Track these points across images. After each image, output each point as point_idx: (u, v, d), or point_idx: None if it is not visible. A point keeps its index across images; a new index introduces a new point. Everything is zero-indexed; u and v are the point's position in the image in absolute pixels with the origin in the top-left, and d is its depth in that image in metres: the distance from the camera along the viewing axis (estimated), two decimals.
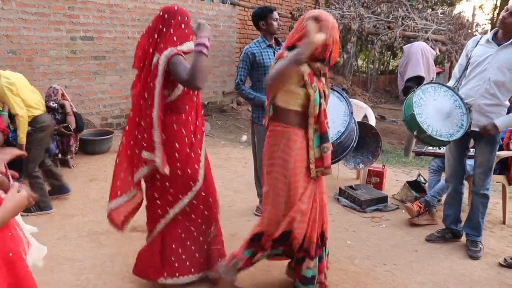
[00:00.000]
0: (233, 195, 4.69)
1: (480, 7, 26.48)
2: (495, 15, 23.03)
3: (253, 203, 4.31)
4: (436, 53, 8.53)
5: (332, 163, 3.83)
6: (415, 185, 4.72)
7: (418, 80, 6.41)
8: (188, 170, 2.68)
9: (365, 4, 10.93)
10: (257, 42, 3.86)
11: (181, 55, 2.51)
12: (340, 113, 3.72)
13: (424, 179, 4.83)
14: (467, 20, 10.08)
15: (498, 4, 22.44)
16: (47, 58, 6.37)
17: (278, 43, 3.90)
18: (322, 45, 2.35)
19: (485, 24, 22.84)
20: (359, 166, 4.83)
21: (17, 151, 2.29)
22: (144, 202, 2.86)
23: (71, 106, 5.50)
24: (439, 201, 4.14)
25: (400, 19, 9.94)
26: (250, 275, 2.98)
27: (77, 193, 4.56)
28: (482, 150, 3.39)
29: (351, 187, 4.69)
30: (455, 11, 11.29)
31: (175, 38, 2.54)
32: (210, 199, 2.87)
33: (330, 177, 5.21)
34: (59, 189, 4.41)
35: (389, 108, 13.78)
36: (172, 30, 2.54)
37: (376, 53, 11.12)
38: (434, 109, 3.34)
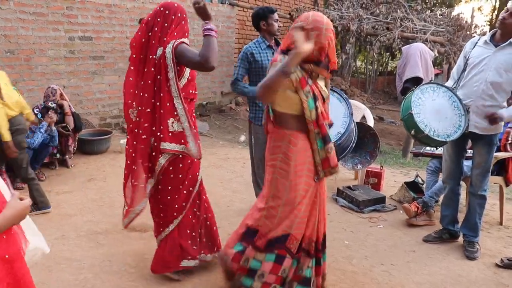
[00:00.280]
0: (231, 195, 4.70)
1: (479, 8, 26.51)
2: (494, 16, 23.06)
3: (251, 203, 4.30)
4: (435, 55, 8.56)
5: None
6: (413, 186, 4.73)
7: (416, 81, 6.41)
8: (196, 159, 2.84)
9: (364, 5, 10.95)
10: (256, 42, 3.86)
11: (185, 43, 2.62)
12: (340, 114, 3.73)
13: (422, 180, 4.84)
14: (466, 21, 10.11)
15: (497, 6, 22.50)
16: (45, 58, 6.36)
17: (277, 44, 3.90)
18: (317, 47, 2.32)
19: (484, 25, 22.86)
20: (357, 167, 4.84)
21: None
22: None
23: (69, 106, 5.51)
24: (436, 201, 4.15)
25: (399, 20, 9.97)
26: None
27: (75, 193, 4.56)
28: (480, 151, 3.41)
29: (349, 187, 4.70)
30: (454, 13, 11.31)
31: (175, 34, 2.64)
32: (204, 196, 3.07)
33: (328, 178, 5.24)
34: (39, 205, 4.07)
35: (387, 109, 13.82)
36: (173, 26, 2.64)
37: (374, 54, 11.14)
38: (432, 109, 3.35)
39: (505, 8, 3.20)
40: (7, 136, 3.67)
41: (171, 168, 2.75)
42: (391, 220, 4.17)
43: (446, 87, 3.44)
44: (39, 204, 3.98)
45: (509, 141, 3.97)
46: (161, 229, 2.90)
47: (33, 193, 3.97)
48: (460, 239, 3.69)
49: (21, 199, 1.58)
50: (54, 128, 4.95)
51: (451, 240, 3.71)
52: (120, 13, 7.31)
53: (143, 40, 2.67)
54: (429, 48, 7.89)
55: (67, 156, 5.46)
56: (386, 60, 18.84)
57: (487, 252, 3.56)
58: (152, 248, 3.03)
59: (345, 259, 3.36)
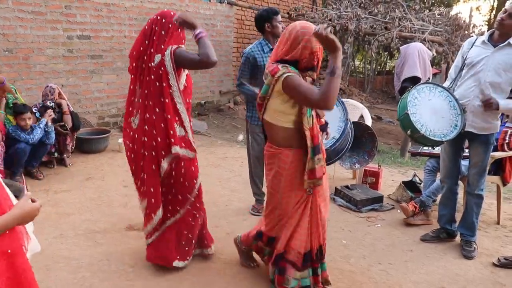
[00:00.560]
0: (230, 194, 4.71)
1: (477, 8, 26.60)
2: (492, 16, 23.10)
3: (249, 202, 4.32)
4: (433, 54, 8.57)
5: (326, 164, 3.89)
6: (411, 185, 4.74)
7: (414, 81, 6.42)
8: (196, 162, 2.97)
9: (362, 5, 10.95)
10: (259, 44, 3.85)
11: (181, 47, 2.72)
12: (335, 119, 3.74)
13: (420, 179, 4.85)
14: (464, 21, 10.13)
15: (495, 6, 22.53)
16: (44, 57, 6.36)
17: None
18: (309, 53, 2.39)
19: (482, 25, 22.91)
20: (355, 166, 4.85)
21: None
22: None
23: (67, 105, 5.50)
24: (434, 201, 4.16)
25: (397, 20, 9.97)
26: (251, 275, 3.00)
27: (73, 192, 4.56)
28: (477, 151, 3.41)
29: (347, 187, 4.70)
30: (452, 12, 11.33)
31: (172, 41, 2.72)
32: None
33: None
34: None
35: (385, 108, 13.83)
36: (170, 33, 2.72)
37: (373, 54, 11.16)
38: (428, 109, 3.35)
39: (503, 9, 3.21)
40: None
41: (172, 172, 2.89)
42: (388, 220, 4.19)
43: (442, 87, 3.45)
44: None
45: (506, 141, 3.97)
46: (157, 226, 2.99)
47: None
48: (458, 238, 3.70)
49: (32, 201, 1.58)
50: (50, 124, 4.95)
51: (449, 239, 3.73)
52: (119, 12, 7.31)
53: (141, 48, 2.76)
54: (427, 47, 7.90)
55: (65, 155, 5.46)
56: (385, 59, 18.87)
57: (484, 251, 3.58)
58: None
59: (342, 259, 3.37)
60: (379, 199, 4.49)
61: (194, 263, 3.16)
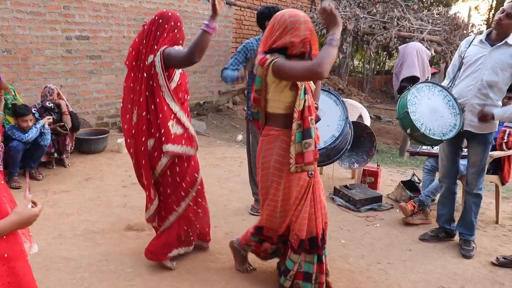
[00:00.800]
0: (228, 194, 4.71)
1: (475, 8, 26.62)
2: (491, 16, 23.12)
3: (248, 202, 4.33)
4: (432, 54, 8.58)
5: (326, 164, 3.89)
6: (410, 185, 4.74)
7: (413, 81, 6.43)
8: (192, 162, 2.99)
9: (360, 5, 10.95)
10: (259, 39, 3.85)
11: (173, 47, 2.74)
12: (335, 118, 3.74)
13: (418, 179, 4.85)
14: (463, 20, 10.13)
15: (494, 5, 22.55)
16: (43, 57, 6.36)
17: None
18: (300, 40, 2.39)
19: (481, 25, 22.97)
20: (354, 166, 4.85)
21: None
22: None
23: (67, 105, 5.50)
24: (433, 200, 4.16)
25: (396, 20, 9.97)
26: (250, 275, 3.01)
27: (72, 193, 4.56)
28: (475, 150, 3.42)
29: (346, 186, 4.71)
30: (451, 12, 11.34)
31: (166, 42, 2.74)
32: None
33: (325, 177, 5.26)
34: None
35: (384, 108, 13.85)
36: (165, 34, 2.75)
37: (371, 53, 11.15)
38: (428, 108, 3.36)
39: (501, 8, 3.21)
40: None
41: (168, 171, 2.91)
42: (387, 219, 4.19)
43: (441, 86, 3.46)
44: None
45: (505, 140, 3.98)
46: (164, 219, 3.05)
47: None
48: (456, 237, 3.70)
49: (34, 203, 1.55)
50: (47, 126, 4.96)
51: (447, 238, 3.73)
52: (117, 13, 7.30)
53: (140, 48, 2.80)
54: (426, 47, 7.91)
55: (64, 156, 5.45)
56: (383, 59, 18.89)
57: (483, 250, 3.58)
58: None
59: (341, 258, 3.37)
60: (378, 198, 4.50)
61: (194, 263, 3.17)
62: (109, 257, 3.24)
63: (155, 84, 2.73)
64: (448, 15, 10.63)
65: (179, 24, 2.80)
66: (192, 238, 3.13)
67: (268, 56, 2.41)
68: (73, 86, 6.87)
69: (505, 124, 4.05)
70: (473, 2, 26.15)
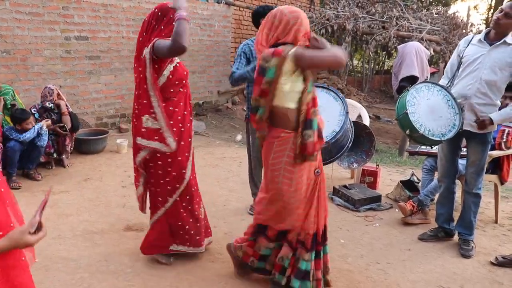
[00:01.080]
0: (228, 194, 4.71)
1: (474, 7, 26.64)
2: (490, 15, 23.13)
3: (248, 202, 4.33)
4: (431, 53, 8.58)
5: (328, 162, 3.89)
6: (409, 185, 4.75)
7: (412, 80, 6.44)
8: (179, 158, 2.92)
9: (359, 4, 10.97)
10: (255, 39, 3.87)
11: (164, 39, 2.72)
12: (335, 113, 3.75)
13: (418, 179, 4.86)
14: (462, 20, 10.15)
15: (493, 5, 22.56)
16: (42, 58, 6.35)
17: None
18: (303, 34, 2.47)
19: (480, 24, 22.98)
20: (353, 166, 4.86)
21: None
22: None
23: (66, 106, 5.50)
24: (432, 200, 4.16)
25: (395, 19, 9.99)
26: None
27: (71, 193, 4.56)
28: (474, 150, 3.42)
29: (345, 186, 4.71)
30: (450, 11, 11.35)
31: (163, 34, 2.74)
32: (196, 187, 3.15)
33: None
34: None
35: (384, 107, 13.85)
36: (162, 27, 2.75)
37: (370, 53, 11.16)
38: (427, 108, 3.36)
39: (499, 8, 3.22)
40: None
41: (151, 164, 2.94)
42: (386, 219, 4.19)
43: (440, 86, 3.46)
44: None
45: (504, 140, 3.98)
46: (153, 213, 3.10)
47: None
48: (455, 237, 3.70)
49: (39, 226, 1.41)
50: (45, 128, 4.95)
51: (446, 238, 3.73)
52: (116, 13, 7.30)
53: (140, 39, 2.83)
54: (425, 47, 7.92)
55: (63, 156, 5.45)
56: (383, 59, 18.88)
57: (482, 250, 3.58)
58: None
59: (340, 258, 3.37)
60: (377, 198, 4.50)
61: (193, 262, 3.17)
62: (109, 257, 3.24)
63: (142, 76, 2.76)
64: (447, 15, 10.65)
65: None
66: (187, 237, 3.10)
67: (281, 47, 2.44)
68: (72, 86, 6.86)
69: (504, 124, 4.05)
70: (472, 2, 26.17)
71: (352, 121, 4.24)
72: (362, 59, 17.44)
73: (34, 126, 4.81)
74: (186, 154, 2.97)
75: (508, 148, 4.02)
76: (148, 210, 3.17)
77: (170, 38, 2.60)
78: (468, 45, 3.41)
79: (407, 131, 3.35)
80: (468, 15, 10.96)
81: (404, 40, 9.25)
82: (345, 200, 4.49)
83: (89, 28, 6.93)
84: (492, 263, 3.35)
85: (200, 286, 2.89)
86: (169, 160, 2.90)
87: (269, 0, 10.91)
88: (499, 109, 3.34)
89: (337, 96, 3.79)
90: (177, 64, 2.88)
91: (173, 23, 2.67)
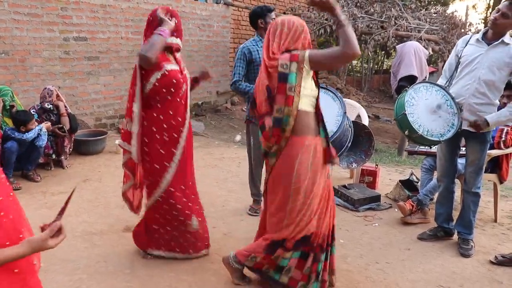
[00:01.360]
0: (227, 195, 4.71)
1: (473, 6, 26.63)
2: (488, 14, 23.13)
3: (247, 203, 4.32)
4: (429, 53, 8.59)
5: None
6: (408, 184, 4.75)
7: (411, 80, 6.45)
8: (156, 165, 2.91)
9: (358, 4, 10.96)
10: (253, 40, 3.88)
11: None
12: (333, 113, 3.74)
13: (417, 178, 4.86)
14: (460, 19, 10.15)
15: (491, 4, 22.57)
16: (40, 58, 6.35)
17: None
18: (308, 42, 2.58)
19: (478, 23, 22.96)
20: (352, 165, 4.85)
21: None
22: None
23: (65, 107, 5.50)
24: (431, 199, 4.16)
25: (393, 19, 9.99)
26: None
27: None
28: (473, 149, 3.42)
29: (344, 186, 4.71)
30: (448, 11, 11.35)
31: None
32: (184, 199, 3.05)
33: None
34: None
35: (383, 107, 13.85)
36: (149, 32, 2.83)
37: (369, 53, 11.16)
38: (425, 109, 3.36)
39: (496, 8, 3.23)
40: None
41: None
42: (386, 219, 4.19)
43: (439, 86, 3.45)
44: None
45: (502, 139, 3.98)
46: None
47: None
48: (455, 236, 3.70)
49: (58, 232, 1.46)
50: (45, 130, 4.95)
51: (446, 237, 3.73)
52: (115, 14, 7.30)
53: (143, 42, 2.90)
54: (424, 46, 7.92)
55: (62, 157, 5.45)
56: (382, 58, 18.89)
57: (481, 249, 3.58)
58: None
59: (340, 258, 3.36)
60: (377, 198, 4.50)
61: (192, 263, 3.16)
62: (108, 258, 3.24)
63: (132, 80, 2.86)
64: (446, 14, 10.64)
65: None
66: (162, 241, 3.15)
67: (294, 52, 2.49)
68: (71, 87, 6.86)
69: None
70: (471, 1, 26.17)
71: (351, 121, 4.24)
72: (361, 59, 17.43)
73: (36, 127, 4.81)
74: (166, 163, 2.90)
75: (507, 147, 4.02)
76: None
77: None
78: (466, 45, 3.41)
79: (406, 132, 3.35)
80: (467, 15, 10.98)
81: (403, 39, 9.25)
82: (344, 200, 4.49)
83: (88, 29, 6.92)
84: (491, 262, 3.35)
85: (199, 287, 2.89)
86: (147, 165, 2.95)
87: (267, 0, 10.91)
88: (498, 109, 3.34)
89: (335, 96, 3.79)
90: (166, 72, 2.79)
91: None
